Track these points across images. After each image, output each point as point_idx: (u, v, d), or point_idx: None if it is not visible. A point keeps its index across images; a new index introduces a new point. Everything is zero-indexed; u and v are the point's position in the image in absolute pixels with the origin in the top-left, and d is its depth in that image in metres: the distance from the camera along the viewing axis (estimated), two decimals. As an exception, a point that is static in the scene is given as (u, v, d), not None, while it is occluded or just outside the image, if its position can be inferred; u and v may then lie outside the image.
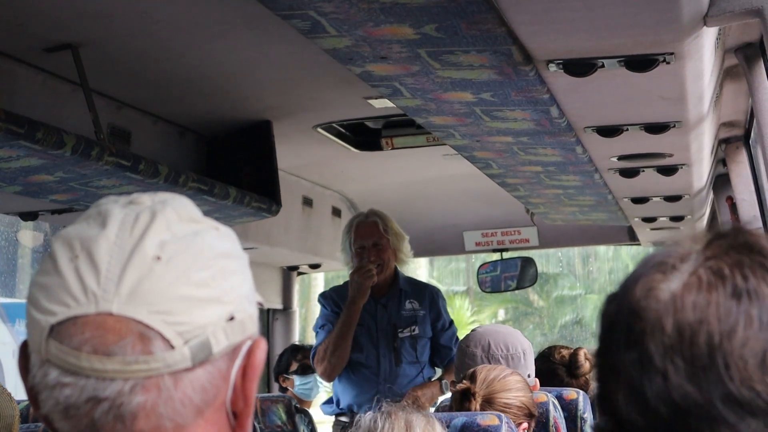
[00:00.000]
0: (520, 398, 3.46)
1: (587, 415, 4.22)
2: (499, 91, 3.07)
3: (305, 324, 19.63)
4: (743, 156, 4.98)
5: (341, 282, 5.75)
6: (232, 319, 1.19)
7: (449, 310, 5.68)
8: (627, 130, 3.67)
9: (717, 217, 6.07)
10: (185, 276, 1.16)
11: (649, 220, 6.40)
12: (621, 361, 1.05)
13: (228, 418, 1.23)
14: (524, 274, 7.49)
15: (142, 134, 4.25)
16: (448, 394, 4.53)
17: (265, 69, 3.87)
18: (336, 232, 6.74)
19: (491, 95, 3.13)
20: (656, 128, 3.65)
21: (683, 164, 4.41)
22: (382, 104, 4.39)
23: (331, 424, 5.63)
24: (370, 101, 4.42)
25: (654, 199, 5.44)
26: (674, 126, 3.63)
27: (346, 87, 4.11)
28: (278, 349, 6.90)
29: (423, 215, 7.20)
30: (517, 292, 8.61)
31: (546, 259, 24.92)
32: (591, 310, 26.22)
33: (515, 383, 3.49)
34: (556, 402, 3.91)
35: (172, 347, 1.15)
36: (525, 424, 3.47)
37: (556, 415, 3.87)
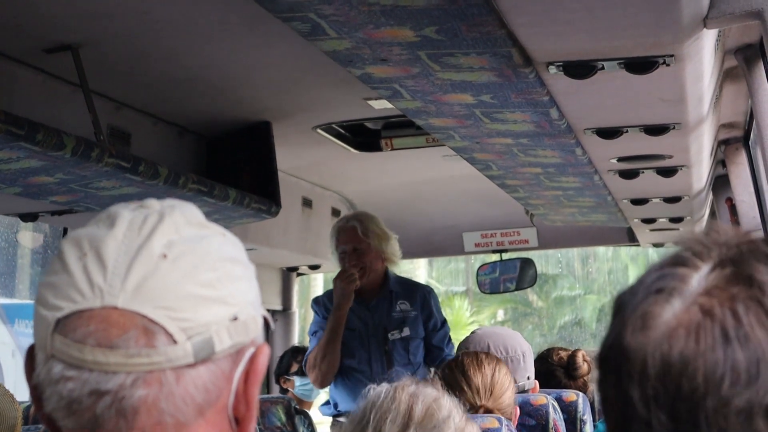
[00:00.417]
0: (512, 396, 3.47)
1: (587, 417, 4.23)
2: (499, 93, 3.07)
3: (304, 324, 19.65)
4: (743, 157, 4.99)
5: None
6: (235, 319, 1.20)
7: (448, 310, 5.69)
8: (626, 131, 3.67)
9: (716, 218, 6.07)
10: (191, 275, 1.18)
11: (648, 221, 6.40)
12: (610, 395, 1.04)
13: (230, 423, 1.24)
14: (523, 275, 7.49)
15: (141, 135, 4.25)
16: None
17: (265, 70, 3.88)
18: (336, 233, 6.74)
19: (491, 97, 3.13)
20: (656, 130, 3.65)
21: (683, 166, 4.41)
22: (382, 105, 4.38)
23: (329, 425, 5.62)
24: (370, 102, 4.42)
25: (653, 200, 5.44)
26: (674, 128, 3.63)
27: (345, 88, 4.11)
28: (278, 350, 6.90)
29: (422, 216, 7.20)
30: (516, 292, 8.60)
31: (545, 260, 24.94)
32: (590, 310, 26.23)
33: (508, 382, 3.49)
34: (555, 404, 3.91)
35: (175, 342, 1.16)
36: (517, 411, 3.49)
37: (556, 417, 3.87)
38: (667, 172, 4.49)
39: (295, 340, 7.32)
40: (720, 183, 5.77)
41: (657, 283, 1.03)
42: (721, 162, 5.40)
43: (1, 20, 3.14)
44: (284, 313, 7.13)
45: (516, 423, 3.45)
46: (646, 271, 1.06)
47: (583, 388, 4.78)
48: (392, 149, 5.41)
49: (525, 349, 4.00)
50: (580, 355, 4.87)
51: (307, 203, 6.34)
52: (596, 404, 4.40)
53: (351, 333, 5.34)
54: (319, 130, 4.96)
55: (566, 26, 2.53)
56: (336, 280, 5.24)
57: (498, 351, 3.92)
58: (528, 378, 3.99)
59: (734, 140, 5.01)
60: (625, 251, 24.96)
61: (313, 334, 5.39)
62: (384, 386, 2.62)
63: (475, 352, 3.56)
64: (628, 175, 4.56)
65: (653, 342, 0.99)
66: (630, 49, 2.74)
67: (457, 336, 5.31)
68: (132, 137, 4.18)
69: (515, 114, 3.35)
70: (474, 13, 2.36)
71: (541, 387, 4.09)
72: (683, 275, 1.02)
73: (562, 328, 26.57)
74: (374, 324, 5.39)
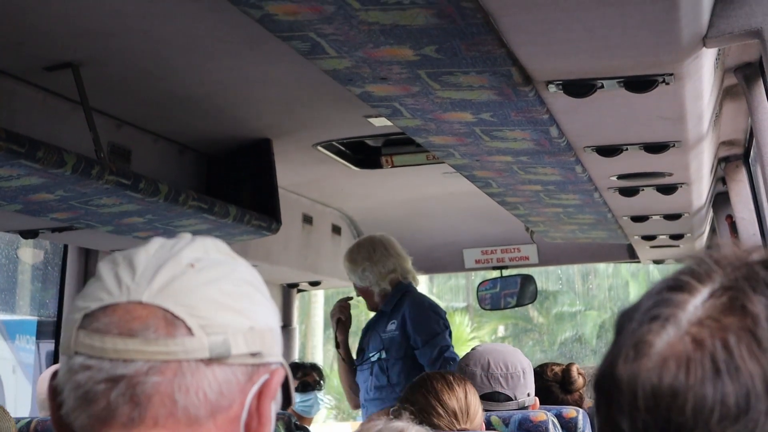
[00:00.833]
0: (481, 415, 3.50)
1: (587, 433, 4.22)
2: (499, 111, 3.08)
3: (305, 341, 19.63)
4: (743, 175, 4.99)
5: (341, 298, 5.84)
6: (252, 329, 1.25)
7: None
8: (626, 149, 3.67)
9: (716, 235, 6.07)
10: (214, 284, 1.24)
11: (648, 238, 6.40)
12: (602, 424, 1.03)
13: None
14: (524, 291, 7.48)
15: (142, 152, 4.26)
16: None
17: (265, 88, 3.88)
18: (336, 249, 6.74)
19: (491, 115, 3.14)
20: (656, 148, 3.66)
21: (683, 183, 4.41)
22: (382, 122, 4.39)
23: None
24: (370, 119, 4.42)
25: (653, 217, 5.44)
26: (674, 145, 3.63)
27: (345, 105, 4.11)
28: (278, 367, 6.88)
29: (423, 233, 7.20)
30: (517, 308, 8.58)
31: (546, 276, 24.90)
32: (591, 327, 26.18)
33: (477, 401, 3.50)
34: (555, 420, 3.90)
35: (193, 335, 1.21)
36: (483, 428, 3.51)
37: (556, 434, 3.86)
38: (667, 189, 4.50)
39: (296, 357, 7.31)
40: (720, 200, 5.77)
41: (653, 310, 1.02)
42: (721, 179, 5.40)
43: (2, 38, 3.15)
44: (285, 329, 7.12)
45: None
46: (646, 293, 1.06)
47: (579, 402, 4.78)
48: (392, 166, 5.42)
49: (525, 366, 4.00)
50: (574, 369, 4.87)
51: (307, 220, 6.34)
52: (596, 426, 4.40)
53: (360, 355, 5.60)
54: (319, 148, 4.96)
55: (566, 45, 2.53)
56: None
57: (498, 367, 3.92)
58: (528, 394, 3.99)
59: (734, 158, 5.02)
60: (626, 267, 24.94)
61: None
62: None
63: (440, 373, 3.57)
64: (628, 192, 4.56)
65: (644, 372, 0.98)
66: (629, 68, 2.74)
67: (458, 352, 5.26)
68: (132, 155, 4.18)
69: (515, 132, 3.35)
70: (473, 32, 2.37)
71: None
72: (679, 302, 1.00)
73: (562, 344, 26.52)
74: (367, 346, 5.51)
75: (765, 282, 0.99)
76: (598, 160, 3.81)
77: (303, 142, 4.87)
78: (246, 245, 5.13)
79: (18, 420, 3.93)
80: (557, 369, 4.89)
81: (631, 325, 1.03)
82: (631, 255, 7.48)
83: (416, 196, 6.58)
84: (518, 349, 4.12)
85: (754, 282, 0.99)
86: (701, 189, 4.73)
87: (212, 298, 1.23)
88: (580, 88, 2.85)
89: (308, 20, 2.27)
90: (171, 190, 3.75)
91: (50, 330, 5.93)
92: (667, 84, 2.81)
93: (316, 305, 19.71)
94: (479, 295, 7.63)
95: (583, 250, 7.39)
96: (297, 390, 6.60)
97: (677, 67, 2.72)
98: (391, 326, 5.39)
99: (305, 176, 5.66)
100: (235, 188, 4.71)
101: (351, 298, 5.87)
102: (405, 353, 5.35)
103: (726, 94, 3.98)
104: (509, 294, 7.48)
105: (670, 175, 4.23)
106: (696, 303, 1.00)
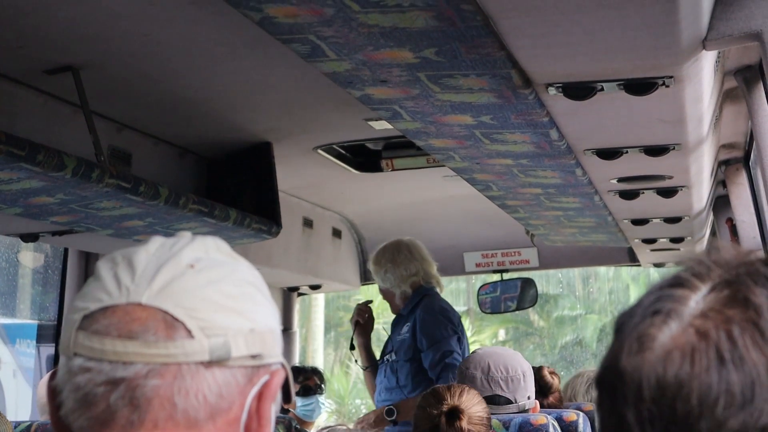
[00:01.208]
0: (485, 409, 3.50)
1: (587, 436, 4.22)
2: (499, 114, 3.08)
3: (305, 344, 19.61)
4: (743, 177, 4.99)
5: (341, 302, 5.85)
6: (252, 331, 1.25)
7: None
8: (626, 152, 3.67)
9: (717, 238, 6.07)
10: (215, 285, 1.24)
11: (649, 241, 6.40)
12: (606, 417, 1.04)
13: None
14: (524, 295, 7.48)
15: (142, 156, 4.26)
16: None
17: (266, 91, 3.88)
18: (336, 252, 6.74)
19: (491, 118, 3.14)
20: (656, 151, 3.66)
21: (683, 186, 4.41)
22: (382, 126, 4.39)
23: None
24: (371, 123, 4.42)
25: (654, 220, 5.44)
26: (674, 148, 3.63)
27: (346, 109, 4.11)
28: (279, 370, 6.88)
29: (423, 236, 7.17)
30: (517, 312, 8.58)
31: (546, 280, 24.88)
32: (591, 330, 26.15)
33: (476, 396, 3.51)
34: (555, 424, 3.90)
35: (193, 337, 1.20)
36: None
37: (556, 438, 3.86)
38: (668, 192, 4.50)
39: (296, 360, 7.31)
40: (720, 203, 5.78)
41: (654, 305, 1.03)
42: (721, 182, 5.40)
43: (3, 41, 3.15)
44: (285, 333, 7.11)
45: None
46: (646, 292, 1.07)
47: (559, 403, 4.79)
48: (393, 170, 5.42)
49: (525, 369, 4.01)
50: (545, 371, 4.87)
51: (307, 223, 6.34)
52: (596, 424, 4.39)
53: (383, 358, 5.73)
54: (319, 151, 4.96)
55: (566, 48, 2.53)
56: None
57: (498, 371, 3.92)
58: (528, 398, 3.99)
59: (734, 161, 5.02)
60: (626, 271, 24.90)
61: None
62: None
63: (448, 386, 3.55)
64: (629, 195, 4.56)
65: (648, 364, 1.00)
66: (629, 71, 2.74)
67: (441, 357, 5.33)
68: (133, 158, 4.18)
69: (515, 135, 3.35)
70: (473, 35, 2.37)
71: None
72: (681, 297, 1.02)
73: (563, 347, 26.49)
74: (385, 348, 5.66)
75: (766, 276, 1.01)
76: (598, 163, 3.81)
77: (303, 146, 4.87)
78: (246, 249, 5.13)
79: (18, 424, 3.93)
80: None
81: (633, 320, 1.04)
82: (632, 258, 7.47)
83: (417, 199, 6.58)
84: (518, 353, 4.13)
85: (756, 276, 1.01)
86: (701, 192, 4.73)
87: (212, 299, 1.22)
88: (580, 90, 2.84)
89: (308, 23, 2.27)
90: (171, 193, 3.75)
91: (50, 334, 5.93)
92: (667, 87, 2.81)
93: (317, 309, 19.69)
94: (480, 299, 7.63)
95: (583, 254, 7.39)
96: (298, 394, 6.60)
97: (677, 70, 2.72)
98: (405, 329, 5.46)
99: (306, 179, 5.66)
100: (236, 191, 4.71)
101: (371, 302, 6.02)
102: (413, 356, 5.40)
103: (726, 96, 3.98)
104: (510, 297, 7.47)
105: (671, 178, 4.23)
106: (697, 298, 1.01)
